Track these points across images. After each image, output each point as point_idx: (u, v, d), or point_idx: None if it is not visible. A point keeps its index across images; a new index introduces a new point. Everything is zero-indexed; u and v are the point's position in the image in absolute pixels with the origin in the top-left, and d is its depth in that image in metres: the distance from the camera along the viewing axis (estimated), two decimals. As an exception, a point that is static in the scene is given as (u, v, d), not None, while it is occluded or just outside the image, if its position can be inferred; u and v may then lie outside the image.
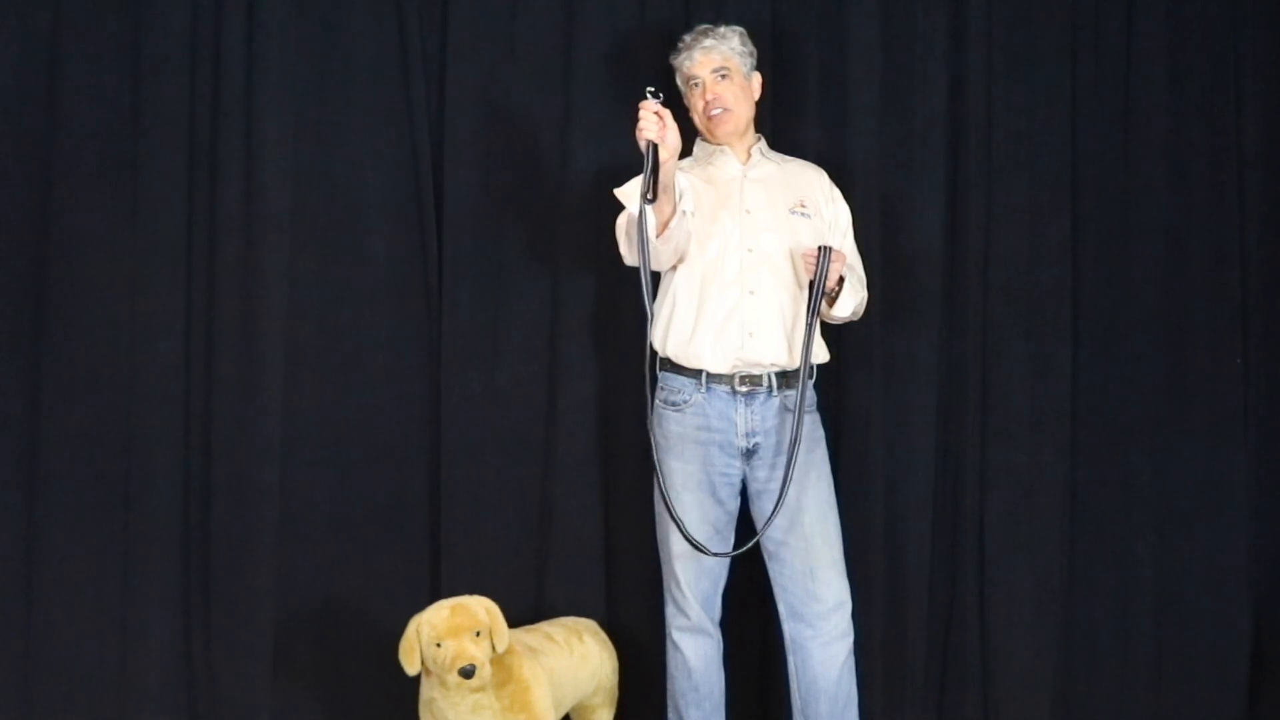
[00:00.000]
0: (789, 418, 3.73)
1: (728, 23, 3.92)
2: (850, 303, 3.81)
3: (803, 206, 3.84)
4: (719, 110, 3.82)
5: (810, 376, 3.77)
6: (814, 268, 3.71)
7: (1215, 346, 4.34)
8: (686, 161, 3.86)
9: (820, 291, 3.71)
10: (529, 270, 4.21)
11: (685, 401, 3.75)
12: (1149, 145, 4.33)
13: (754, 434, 3.75)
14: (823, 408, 3.91)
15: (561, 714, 3.85)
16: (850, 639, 3.80)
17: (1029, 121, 4.30)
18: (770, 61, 4.22)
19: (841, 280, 3.77)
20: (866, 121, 4.25)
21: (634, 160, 3.61)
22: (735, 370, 3.73)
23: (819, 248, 3.71)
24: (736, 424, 3.74)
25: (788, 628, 3.80)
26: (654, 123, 3.49)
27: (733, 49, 3.84)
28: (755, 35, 3.96)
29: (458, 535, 4.19)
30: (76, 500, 4.17)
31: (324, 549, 4.23)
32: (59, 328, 4.16)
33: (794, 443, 3.69)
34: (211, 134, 4.18)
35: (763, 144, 3.94)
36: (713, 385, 3.74)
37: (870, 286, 4.02)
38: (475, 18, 4.23)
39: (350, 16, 4.23)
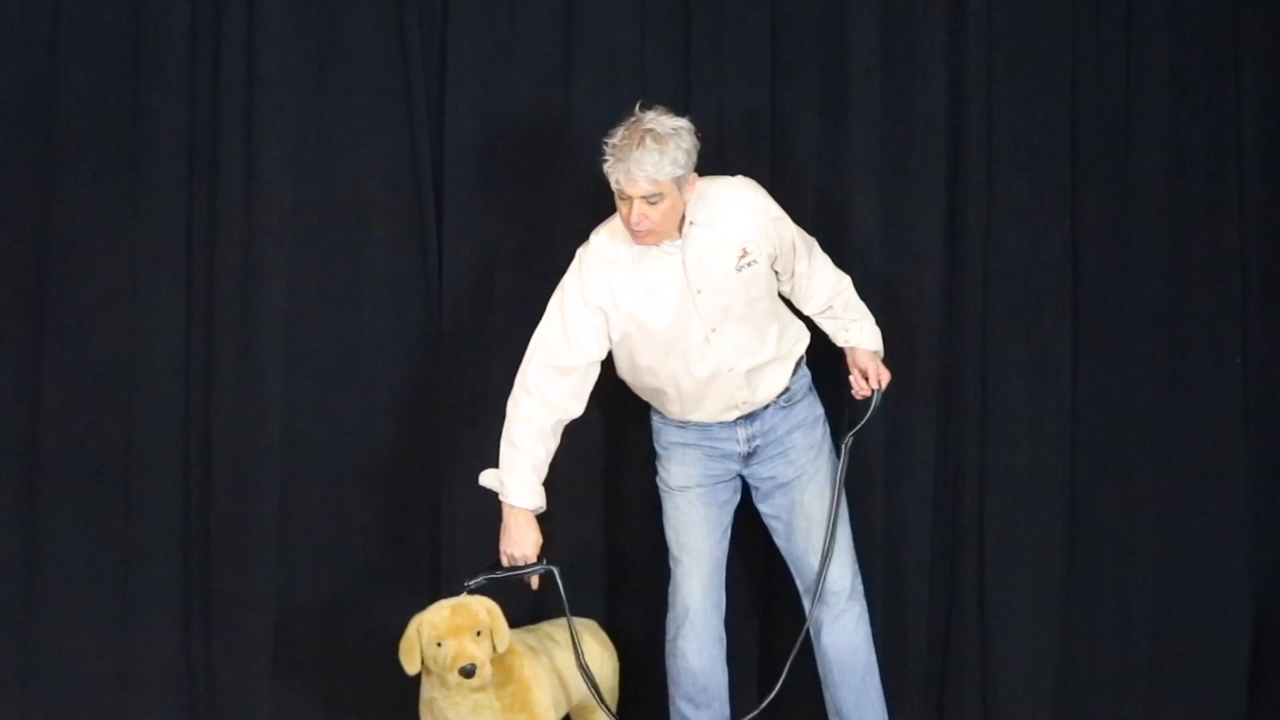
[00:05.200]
0: (788, 413, 3.81)
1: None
2: (873, 332, 3.92)
3: (746, 255, 3.70)
4: (644, 229, 3.59)
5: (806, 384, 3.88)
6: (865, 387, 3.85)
7: (1215, 346, 4.33)
8: (609, 267, 3.70)
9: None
10: (529, 270, 4.20)
11: (684, 424, 3.84)
12: (1149, 145, 4.32)
13: (754, 438, 3.82)
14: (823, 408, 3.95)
15: (561, 714, 3.85)
16: (856, 611, 3.88)
17: (1029, 121, 4.30)
18: (770, 61, 4.22)
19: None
20: (866, 121, 4.25)
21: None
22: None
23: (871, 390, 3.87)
24: (738, 435, 3.82)
25: (804, 604, 3.87)
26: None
27: (666, 171, 3.50)
28: (755, 35, 3.93)
29: (458, 535, 4.19)
30: (76, 500, 4.17)
31: (324, 549, 4.23)
32: (59, 328, 4.16)
33: (833, 509, 3.83)
34: (211, 134, 4.18)
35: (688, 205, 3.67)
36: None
37: (870, 286, 4.02)
38: (475, 18, 4.23)
39: (350, 17, 4.22)
